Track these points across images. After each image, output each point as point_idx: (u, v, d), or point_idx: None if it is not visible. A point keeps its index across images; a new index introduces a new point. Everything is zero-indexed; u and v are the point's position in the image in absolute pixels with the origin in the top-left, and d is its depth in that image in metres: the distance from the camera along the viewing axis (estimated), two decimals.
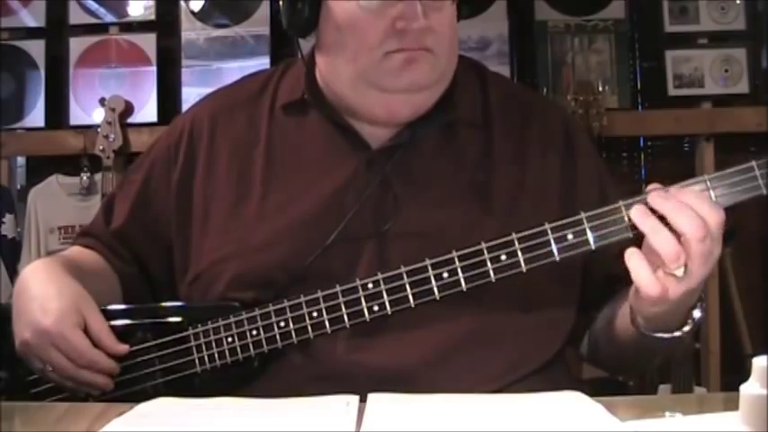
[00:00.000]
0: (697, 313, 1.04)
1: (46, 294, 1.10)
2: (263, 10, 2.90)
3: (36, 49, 2.94)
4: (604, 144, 2.63)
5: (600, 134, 2.61)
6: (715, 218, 0.94)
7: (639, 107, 2.92)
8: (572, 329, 1.18)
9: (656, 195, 0.96)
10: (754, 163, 0.97)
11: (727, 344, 2.74)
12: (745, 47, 2.81)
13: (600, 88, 2.78)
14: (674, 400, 1.51)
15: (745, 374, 0.75)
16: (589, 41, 2.87)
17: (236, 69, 2.85)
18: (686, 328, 1.04)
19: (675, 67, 2.82)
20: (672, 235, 0.94)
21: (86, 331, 1.10)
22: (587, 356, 1.26)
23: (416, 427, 0.84)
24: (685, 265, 0.94)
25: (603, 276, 1.18)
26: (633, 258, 0.96)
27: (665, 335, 1.04)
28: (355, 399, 0.90)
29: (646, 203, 0.97)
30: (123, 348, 1.12)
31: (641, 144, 2.97)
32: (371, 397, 0.91)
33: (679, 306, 1.00)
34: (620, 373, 1.35)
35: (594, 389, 0.97)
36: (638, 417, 0.84)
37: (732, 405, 0.76)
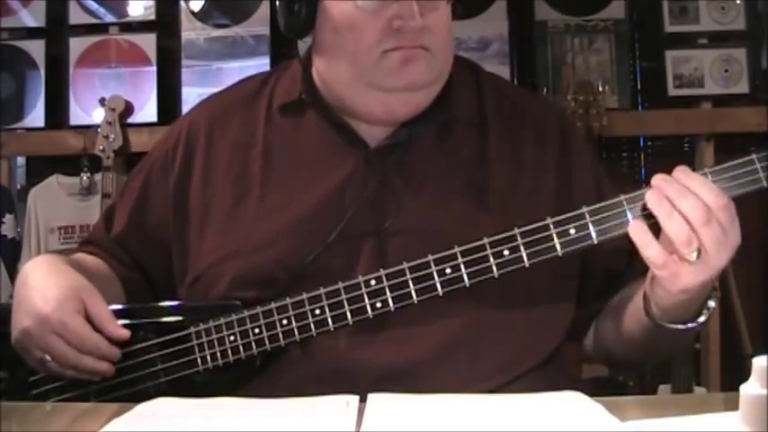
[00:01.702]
0: (712, 303, 1.04)
1: (46, 284, 1.09)
2: (263, 10, 2.90)
3: (36, 49, 2.94)
4: (604, 144, 2.64)
5: (600, 134, 2.61)
6: (717, 203, 0.94)
7: (639, 107, 2.92)
8: (571, 326, 1.18)
9: (661, 179, 0.96)
10: (754, 156, 0.98)
11: (727, 344, 2.74)
12: (745, 47, 2.81)
13: (600, 88, 2.78)
14: (674, 400, 1.52)
15: (745, 374, 0.75)
16: (589, 41, 2.87)
17: (236, 69, 2.85)
18: (701, 319, 1.04)
19: (675, 67, 2.82)
20: (683, 219, 0.94)
21: (88, 318, 1.09)
22: (592, 351, 1.26)
23: (416, 427, 0.84)
24: (699, 251, 0.94)
25: (602, 271, 1.19)
26: (637, 233, 0.96)
27: (681, 326, 1.04)
28: (355, 399, 0.90)
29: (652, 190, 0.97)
30: (125, 333, 1.11)
31: (641, 144, 2.97)
32: (371, 397, 0.91)
33: (697, 297, 1.00)
34: (625, 367, 1.34)
35: (594, 389, 0.97)
36: (638, 417, 0.84)
37: (732, 405, 0.77)
